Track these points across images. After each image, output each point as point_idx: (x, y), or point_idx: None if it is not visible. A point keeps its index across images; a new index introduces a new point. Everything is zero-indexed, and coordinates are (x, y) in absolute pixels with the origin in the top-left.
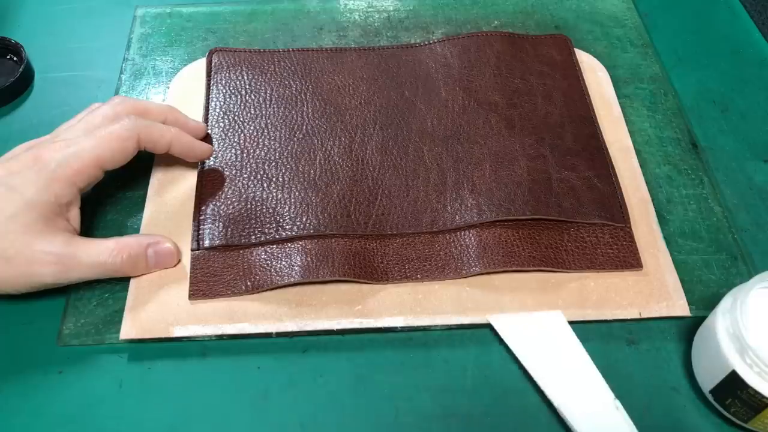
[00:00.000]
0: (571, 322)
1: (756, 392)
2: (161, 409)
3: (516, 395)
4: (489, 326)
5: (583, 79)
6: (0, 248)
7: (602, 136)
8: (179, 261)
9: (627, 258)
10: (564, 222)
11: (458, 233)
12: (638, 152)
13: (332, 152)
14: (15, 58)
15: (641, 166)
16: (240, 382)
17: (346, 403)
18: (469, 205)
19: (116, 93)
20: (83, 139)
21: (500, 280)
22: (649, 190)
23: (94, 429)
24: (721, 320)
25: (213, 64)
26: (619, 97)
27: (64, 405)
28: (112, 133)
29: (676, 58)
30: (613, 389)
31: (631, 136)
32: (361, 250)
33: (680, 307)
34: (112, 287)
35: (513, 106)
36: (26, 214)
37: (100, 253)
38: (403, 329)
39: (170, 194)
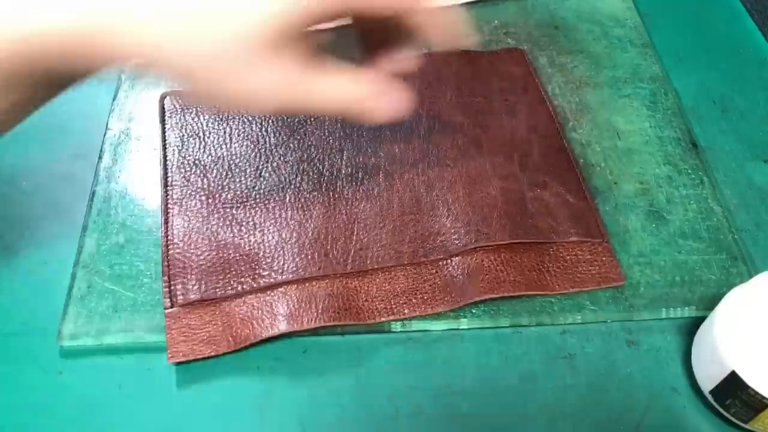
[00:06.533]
0: (570, 323)
1: (756, 393)
2: (161, 410)
3: (516, 395)
4: (489, 326)
5: (545, 91)
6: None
7: (571, 149)
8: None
9: (608, 274)
10: (543, 242)
11: (441, 263)
12: (638, 152)
13: (302, 188)
14: None
15: (641, 165)
16: (240, 382)
17: (346, 403)
18: (448, 232)
19: (116, 93)
20: None
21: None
22: (649, 190)
23: (94, 429)
24: (721, 320)
25: (165, 109)
26: (619, 97)
27: (64, 405)
28: None
29: (676, 58)
30: (613, 389)
31: (631, 136)
32: (343, 290)
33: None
34: (112, 287)
35: (478, 125)
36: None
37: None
38: (403, 329)
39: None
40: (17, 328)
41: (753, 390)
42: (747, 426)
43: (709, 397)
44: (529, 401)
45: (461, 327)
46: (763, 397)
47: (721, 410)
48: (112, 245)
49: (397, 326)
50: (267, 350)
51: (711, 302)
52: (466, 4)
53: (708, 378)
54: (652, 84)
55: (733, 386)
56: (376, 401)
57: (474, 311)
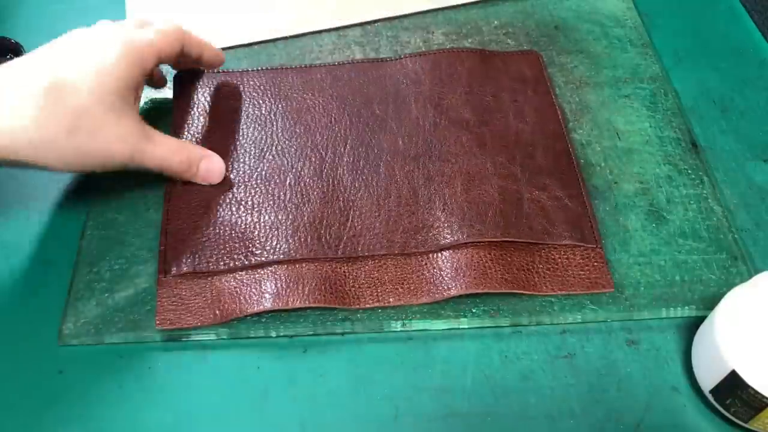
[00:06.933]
0: (570, 323)
1: (756, 392)
2: (161, 409)
3: (516, 395)
4: (489, 326)
5: (556, 96)
6: (86, 123)
7: (574, 153)
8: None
9: (598, 279)
10: (535, 243)
11: (430, 255)
12: (638, 152)
13: (302, 173)
14: (15, 58)
15: (641, 165)
16: (240, 382)
17: (346, 403)
18: (441, 225)
19: None
20: (148, 32)
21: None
22: (649, 190)
23: (94, 429)
24: (721, 320)
25: (179, 86)
26: (619, 97)
27: (64, 405)
28: (168, 29)
29: (676, 58)
30: (613, 389)
31: (631, 136)
32: (331, 274)
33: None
34: (112, 287)
35: (484, 123)
36: (110, 91)
37: (170, 149)
38: (403, 329)
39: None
40: (17, 328)
41: (753, 389)
42: (747, 425)
43: (710, 397)
44: (529, 401)
45: (461, 326)
46: (764, 397)
47: (721, 409)
48: (113, 245)
49: (397, 326)
50: (267, 350)
51: (711, 302)
52: (466, 4)
53: (708, 377)
54: (652, 84)
55: (733, 385)
56: (376, 401)
57: (474, 311)
